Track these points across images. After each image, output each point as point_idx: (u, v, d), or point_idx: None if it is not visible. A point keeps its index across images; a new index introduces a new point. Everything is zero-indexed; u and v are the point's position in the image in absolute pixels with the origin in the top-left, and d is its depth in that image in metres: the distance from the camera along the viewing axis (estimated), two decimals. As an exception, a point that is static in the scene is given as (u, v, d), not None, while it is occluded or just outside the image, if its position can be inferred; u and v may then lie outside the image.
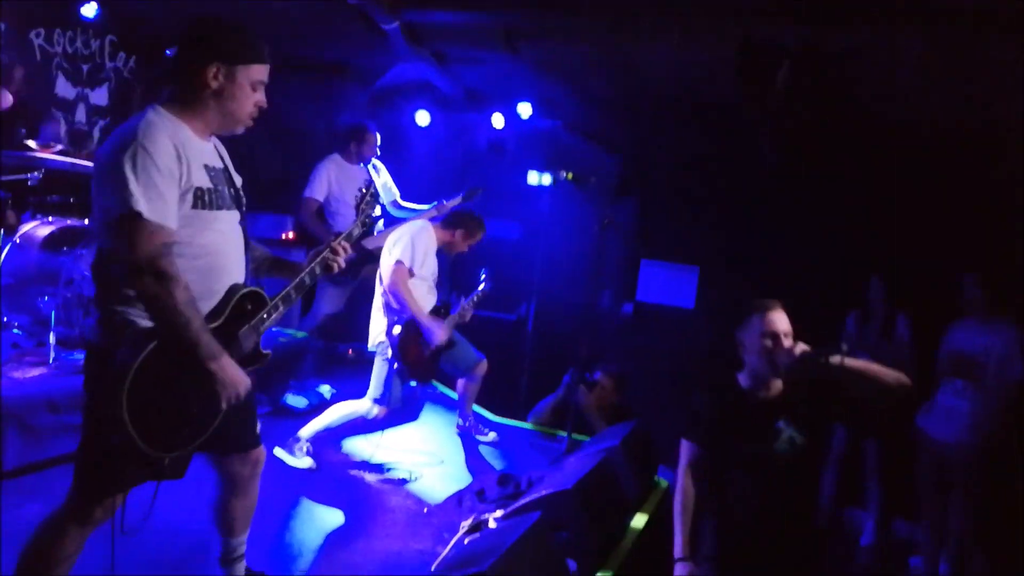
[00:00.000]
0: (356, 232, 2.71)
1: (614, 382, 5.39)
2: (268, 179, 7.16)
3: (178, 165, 2.13)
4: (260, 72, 2.27)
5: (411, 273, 4.21)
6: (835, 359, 2.78)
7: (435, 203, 5.36)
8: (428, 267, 4.36)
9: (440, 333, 4.22)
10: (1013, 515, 4.18)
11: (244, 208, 2.40)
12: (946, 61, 4.47)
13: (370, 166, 5.61)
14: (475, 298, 4.70)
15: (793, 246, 5.96)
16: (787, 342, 2.90)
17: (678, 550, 2.88)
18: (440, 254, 4.52)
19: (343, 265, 2.57)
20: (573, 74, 5.93)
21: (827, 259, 5.79)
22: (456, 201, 5.31)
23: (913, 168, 5.54)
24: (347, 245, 2.59)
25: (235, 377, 2.21)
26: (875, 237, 5.62)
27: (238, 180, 2.41)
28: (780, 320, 2.97)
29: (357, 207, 2.78)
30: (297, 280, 2.47)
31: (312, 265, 2.50)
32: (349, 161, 5.45)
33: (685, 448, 3.03)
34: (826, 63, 4.85)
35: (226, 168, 2.37)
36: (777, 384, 2.96)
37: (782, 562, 2.85)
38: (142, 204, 2.01)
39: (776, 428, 2.87)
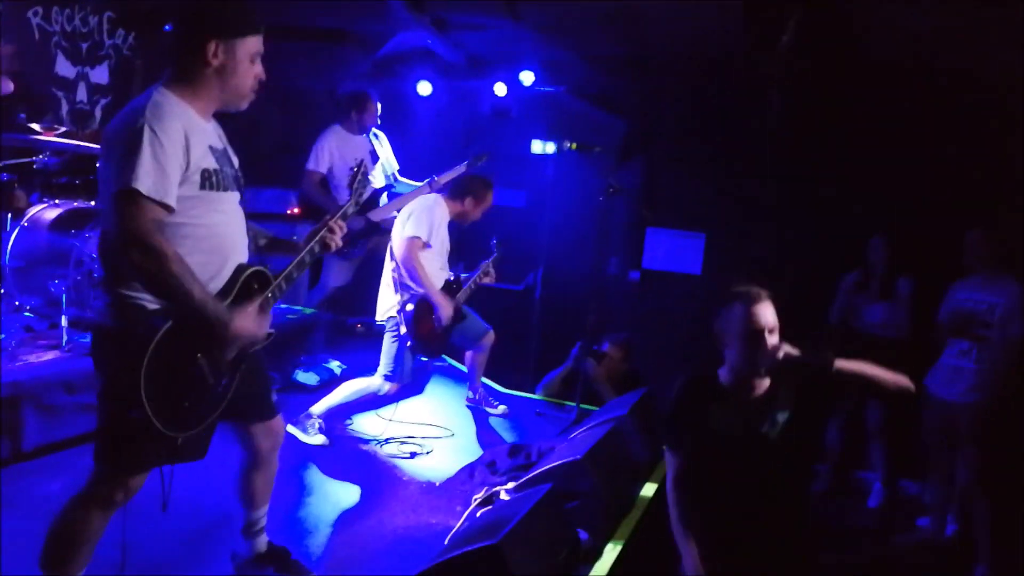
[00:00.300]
0: (350, 210, 2.72)
1: (622, 351, 5.41)
2: (271, 149, 7.18)
3: (184, 148, 2.15)
4: (256, 43, 2.28)
5: (425, 245, 4.21)
6: (826, 362, 2.53)
7: (428, 179, 5.33)
8: (440, 240, 4.36)
9: (448, 310, 4.23)
10: (1019, 469, 4.23)
11: (243, 188, 2.43)
12: (953, 7, 4.39)
13: (372, 136, 5.59)
14: (488, 267, 4.70)
15: (800, 208, 5.93)
16: (771, 340, 2.58)
17: (690, 569, 2.62)
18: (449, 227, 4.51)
19: (340, 243, 2.60)
20: (576, 35, 5.86)
21: (836, 220, 5.76)
22: (460, 169, 5.27)
23: (921, 122, 5.48)
24: (342, 224, 2.61)
25: (249, 325, 2.26)
26: (883, 196, 5.59)
27: (236, 160, 2.43)
28: (765, 314, 2.60)
29: (350, 184, 2.79)
30: (297, 259, 2.50)
31: (311, 244, 2.53)
32: (350, 131, 5.41)
33: (668, 459, 2.76)
34: (833, 13, 4.78)
35: (225, 149, 2.39)
36: (763, 383, 2.67)
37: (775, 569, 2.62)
38: (141, 181, 2.02)
39: (761, 433, 2.59)
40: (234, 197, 2.36)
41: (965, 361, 4.25)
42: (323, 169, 5.27)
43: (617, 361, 5.39)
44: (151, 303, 2.15)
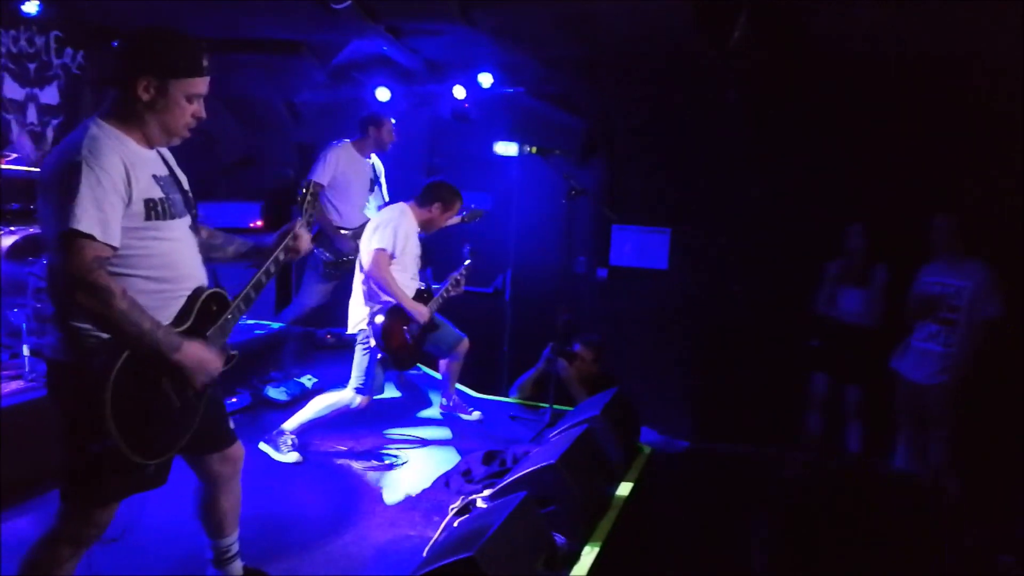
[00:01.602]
0: (299, 231, 2.69)
1: (593, 352, 5.45)
2: (230, 162, 7.11)
3: (125, 181, 2.12)
4: (196, 85, 2.24)
5: (391, 257, 4.19)
6: None
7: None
8: (410, 252, 4.34)
9: (424, 314, 4.23)
10: (986, 444, 4.34)
11: (195, 210, 2.40)
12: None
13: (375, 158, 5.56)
14: (461, 275, 4.70)
15: (762, 200, 6.01)
16: None
17: None
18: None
19: (309, 247, 2.61)
20: (531, 38, 5.86)
21: (798, 211, 5.85)
22: (454, 221, 5.20)
23: (881, 107, 5.58)
24: (305, 233, 2.59)
25: (203, 358, 2.25)
26: (848, 183, 5.68)
27: (185, 182, 2.40)
28: None
29: (300, 205, 2.76)
30: (254, 279, 2.48)
31: (268, 263, 2.51)
32: (360, 151, 5.40)
33: None
34: (783, 6, 4.84)
35: (172, 173, 2.36)
36: None
37: None
38: (81, 222, 2.00)
39: None
40: (184, 222, 2.34)
41: (933, 344, 4.34)
42: (324, 182, 5.25)
43: (588, 362, 5.42)
44: (104, 333, 2.13)
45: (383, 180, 5.76)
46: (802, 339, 5.34)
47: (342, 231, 5.34)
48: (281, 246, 2.52)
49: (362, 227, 5.30)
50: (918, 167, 5.43)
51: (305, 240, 2.56)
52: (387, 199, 5.72)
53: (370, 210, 5.54)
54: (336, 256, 5.37)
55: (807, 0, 4.74)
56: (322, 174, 5.26)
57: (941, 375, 4.31)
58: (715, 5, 4.83)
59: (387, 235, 4.20)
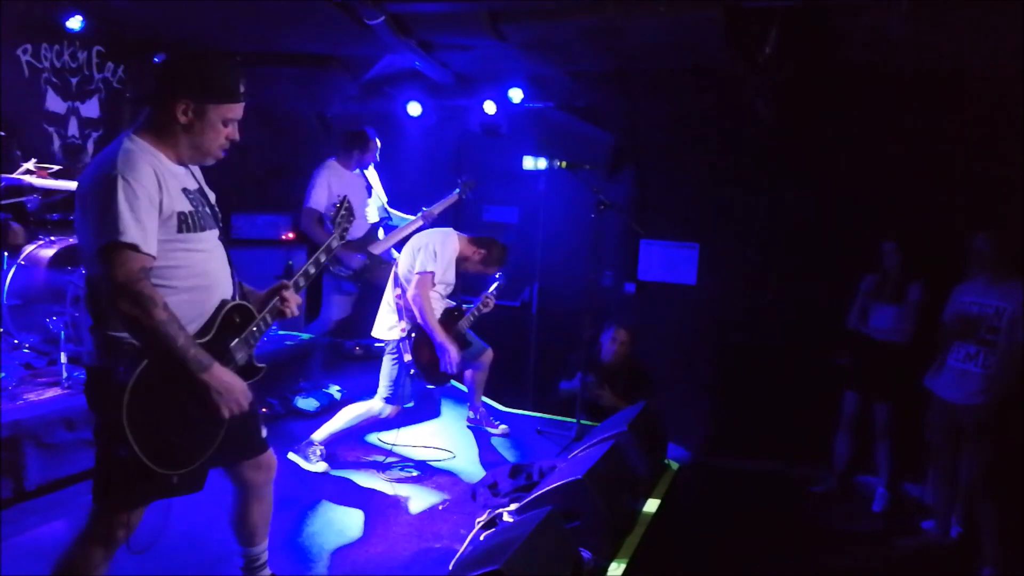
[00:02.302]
0: (334, 244, 2.80)
1: (629, 333, 5.38)
2: (261, 175, 7.21)
3: (158, 193, 2.18)
4: (232, 110, 2.30)
5: (434, 282, 4.22)
6: None
7: (420, 212, 5.37)
8: (448, 276, 4.36)
9: (454, 353, 4.21)
10: (1021, 466, 4.24)
11: (221, 224, 2.46)
12: (930, 10, 4.43)
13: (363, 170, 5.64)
14: (491, 294, 4.73)
15: (792, 214, 5.97)
16: None
17: None
18: None
19: (296, 312, 2.56)
20: (561, 52, 5.89)
21: (830, 225, 5.80)
22: (452, 198, 5.32)
23: (914, 123, 5.52)
24: (294, 296, 2.55)
25: (230, 383, 2.26)
26: (879, 199, 5.62)
27: (212, 197, 2.46)
28: None
29: (333, 219, 2.82)
30: (270, 306, 2.49)
31: (263, 314, 2.49)
32: (346, 167, 5.47)
33: None
34: (814, 21, 4.82)
35: (200, 187, 2.42)
36: None
37: None
38: (122, 233, 2.06)
39: None
40: (213, 235, 2.39)
41: (972, 365, 4.26)
42: (321, 208, 5.31)
43: (626, 344, 5.35)
44: (133, 341, 2.17)
45: (377, 182, 5.80)
46: (832, 356, 5.27)
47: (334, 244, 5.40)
48: (268, 307, 2.50)
49: (367, 236, 5.37)
50: (953, 183, 5.36)
51: (293, 305, 2.53)
52: (384, 198, 5.77)
53: (371, 215, 5.59)
54: (350, 271, 5.43)
55: (839, 14, 4.71)
56: (317, 199, 5.32)
57: (978, 396, 4.23)
58: (746, 19, 4.82)
59: (433, 258, 4.21)
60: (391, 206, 5.81)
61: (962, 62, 5.02)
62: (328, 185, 5.33)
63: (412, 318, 4.20)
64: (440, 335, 4.18)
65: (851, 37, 5.02)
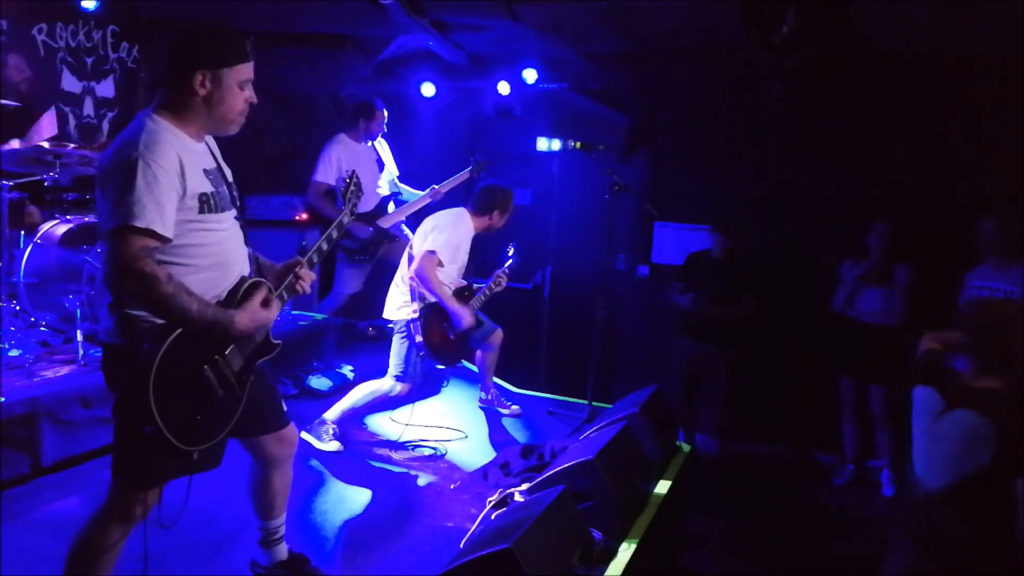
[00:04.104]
0: (346, 219, 2.80)
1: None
2: (276, 156, 7.22)
3: (180, 176, 2.18)
4: (246, 71, 2.30)
5: (441, 264, 4.23)
6: None
7: (429, 189, 5.37)
8: (460, 259, 4.38)
9: (467, 317, 4.26)
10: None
11: (238, 204, 2.47)
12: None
13: (374, 143, 5.63)
14: (504, 273, 4.73)
15: (806, 197, 5.91)
16: None
17: None
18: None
19: (308, 289, 2.58)
20: (575, 33, 5.85)
21: (841, 208, 5.74)
22: (462, 176, 5.31)
23: (923, 110, 5.45)
24: (308, 273, 2.56)
25: (257, 318, 2.31)
26: (888, 185, 5.56)
27: (229, 175, 2.46)
28: None
29: (343, 194, 2.83)
30: (286, 282, 2.51)
31: (280, 291, 2.51)
32: (355, 140, 5.46)
33: None
34: (831, 2, 4.76)
35: (219, 166, 2.42)
36: None
37: None
38: (137, 217, 2.06)
39: None
40: (231, 215, 2.40)
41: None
42: (330, 180, 5.31)
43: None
44: (155, 319, 2.19)
45: (389, 156, 5.79)
46: (831, 341, 5.24)
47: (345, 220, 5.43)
48: (284, 284, 2.52)
49: (377, 209, 5.37)
50: (964, 166, 5.30)
51: (307, 281, 2.54)
52: (397, 173, 5.77)
53: (382, 188, 5.59)
54: (358, 242, 5.43)
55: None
56: (326, 173, 5.33)
57: None
58: (763, 0, 4.77)
59: (440, 241, 4.23)
60: (403, 183, 5.81)
61: (977, 44, 4.94)
62: (337, 159, 5.33)
63: (423, 299, 4.21)
64: (450, 301, 4.21)
65: (870, 18, 4.96)
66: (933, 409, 2.69)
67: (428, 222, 4.39)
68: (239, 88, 2.29)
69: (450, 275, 4.34)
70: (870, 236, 5.02)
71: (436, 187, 5.33)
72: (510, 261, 4.78)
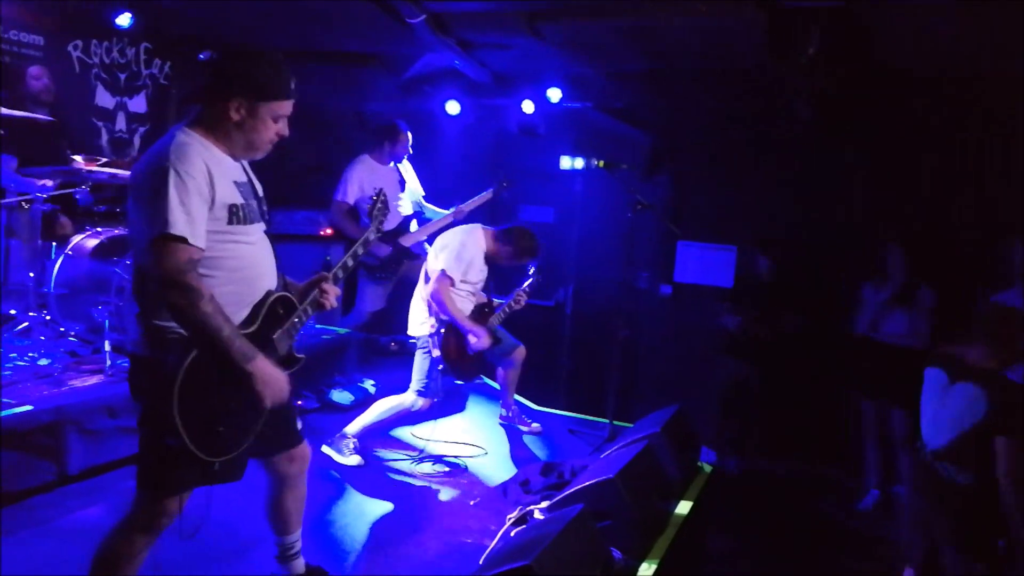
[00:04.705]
0: (371, 237, 2.83)
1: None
2: (301, 171, 7.30)
3: (209, 186, 2.22)
4: (282, 107, 2.35)
5: (453, 283, 4.25)
6: None
7: (453, 207, 5.39)
8: (473, 275, 4.37)
9: (482, 339, 4.25)
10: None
11: (268, 217, 2.50)
12: (975, 15, 4.34)
13: (397, 164, 5.67)
14: (524, 290, 4.73)
15: (831, 217, 5.88)
16: None
17: None
18: None
19: (335, 303, 2.62)
20: (600, 52, 5.87)
21: (869, 229, 5.69)
22: (485, 196, 5.33)
23: (949, 130, 5.41)
24: (333, 287, 2.60)
25: (273, 375, 2.31)
26: (911, 205, 5.51)
27: (260, 189, 2.50)
28: None
29: (369, 213, 2.87)
30: (310, 298, 2.55)
31: (304, 305, 2.55)
32: (379, 161, 5.51)
33: None
34: (857, 23, 4.74)
35: (250, 180, 2.46)
36: None
37: None
38: (172, 225, 2.10)
39: None
40: (260, 227, 2.43)
41: (1009, 374, 4.16)
42: (350, 200, 5.36)
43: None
44: (182, 331, 2.22)
45: (413, 176, 5.83)
46: (855, 364, 5.18)
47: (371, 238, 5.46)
48: (308, 299, 2.55)
49: (398, 228, 5.41)
50: (979, 190, 5.25)
51: (332, 296, 2.59)
52: (422, 193, 5.80)
53: (404, 207, 5.62)
54: (378, 260, 5.47)
55: (884, 15, 4.64)
56: (347, 192, 5.37)
57: None
58: (789, 20, 4.77)
59: (451, 260, 4.25)
60: (428, 202, 5.84)
61: (995, 67, 4.90)
62: (359, 180, 5.38)
63: (438, 314, 4.22)
64: (464, 321, 4.20)
65: (895, 39, 4.93)
66: (940, 383, 3.25)
67: (439, 241, 4.41)
68: (272, 121, 2.34)
69: (468, 290, 4.34)
70: (889, 258, 4.98)
71: (460, 206, 5.36)
72: (531, 279, 4.78)
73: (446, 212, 5.47)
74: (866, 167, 5.72)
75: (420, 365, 4.22)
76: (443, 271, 4.21)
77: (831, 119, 5.67)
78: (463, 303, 4.33)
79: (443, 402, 4.45)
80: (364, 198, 5.34)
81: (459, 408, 5.24)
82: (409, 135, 5.57)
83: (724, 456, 5.38)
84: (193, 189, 2.16)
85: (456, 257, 4.26)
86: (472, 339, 4.21)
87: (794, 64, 4.91)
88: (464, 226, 4.55)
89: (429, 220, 5.62)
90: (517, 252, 4.48)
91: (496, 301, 4.66)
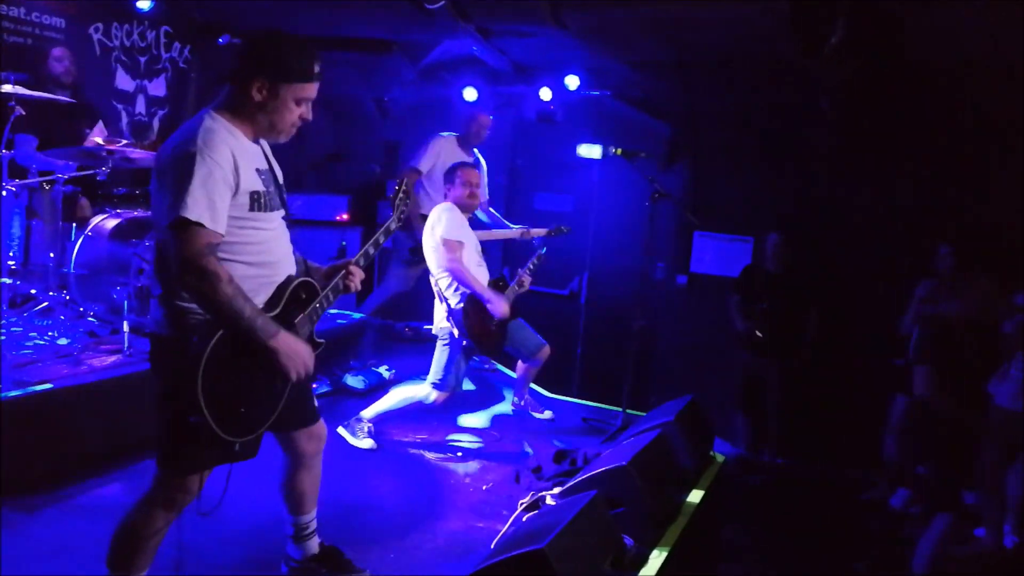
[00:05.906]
0: (393, 226, 2.82)
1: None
2: (320, 157, 7.34)
3: (234, 172, 2.23)
4: (305, 90, 2.34)
5: (461, 244, 4.23)
6: None
7: (521, 227, 5.33)
8: (469, 237, 4.35)
9: (502, 306, 4.23)
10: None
11: (287, 204, 2.51)
12: (1001, 6, 4.28)
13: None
14: (533, 264, 4.69)
15: (853, 211, 5.83)
16: None
17: None
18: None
19: (359, 287, 2.63)
20: (620, 40, 5.84)
21: (889, 223, 5.65)
22: (543, 231, 5.24)
23: (973, 122, 5.34)
24: (359, 271, 2.61)
25: (297, 349, 2.32)
26: (944, 201, 5.45)
27: (280, 176, 2.51)
28: None
29: (392, 202, 2.85)
30: (335, 281, 2.57)
31: (328, 289, 2.56)
32: (462, 146, 5.47)
33: None
34: (882, 14, 4.69)
35: (271, 167, 2.47)
36: None
37: None
38: (192, 210, 2.11)
39: None
40: (279, 214, 2.45)
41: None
42: (424, 169, 5.34)
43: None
44: (201, 312, 2.23)
45: (484, 177, 5.79)
46: (886, 358, 5.14)
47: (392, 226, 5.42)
48: (331, 284, 2.56)
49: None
50: (1005, 184, 5.18)
51: (357, 280, 2.60)
52: (487, 196, 5.75)
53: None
54: (416, 242, 5.45)
55: (912, 4, 4.57)
56: (424, 162, 5.35)
57: None
58: (812, 10, 4.72)
59: (444, 225, 4.20)
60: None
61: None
62: (439, 153, 5.35)
63: (454, 291, 4.21)
64: (483, 289, 4.18)
65: (921, 30, 4.87)
66: None
67: (428, 223, 4.33)
68: (295, 104, 2.33)
69: (475, 260, 4.32)
70: (938, 258, 4.93)
71: (529, 229, 5.28)
72: (535, 256, 4.72)
73: (512, 228, 5.38)
74: (890, 158, 5.65)
75: (439, 357, 4.19)
76: (445, 239, 4.18)
77: (853, 109, 5.62)
78: (477, 273, 4.30)
79: (460, 392, 4.42)
80: (435, 175, 5.23)
81: (473, 394, 5.24)
82: (489, 118, 5.52)
83: (751, 449, 5.37)
84: (218, 175, 2.17)
85: (446, 223, 4.21)
86: (491, 308, 4.21)
87: (817, 54, 4.86)
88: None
89: (485, 224, 5.52)
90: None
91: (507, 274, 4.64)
